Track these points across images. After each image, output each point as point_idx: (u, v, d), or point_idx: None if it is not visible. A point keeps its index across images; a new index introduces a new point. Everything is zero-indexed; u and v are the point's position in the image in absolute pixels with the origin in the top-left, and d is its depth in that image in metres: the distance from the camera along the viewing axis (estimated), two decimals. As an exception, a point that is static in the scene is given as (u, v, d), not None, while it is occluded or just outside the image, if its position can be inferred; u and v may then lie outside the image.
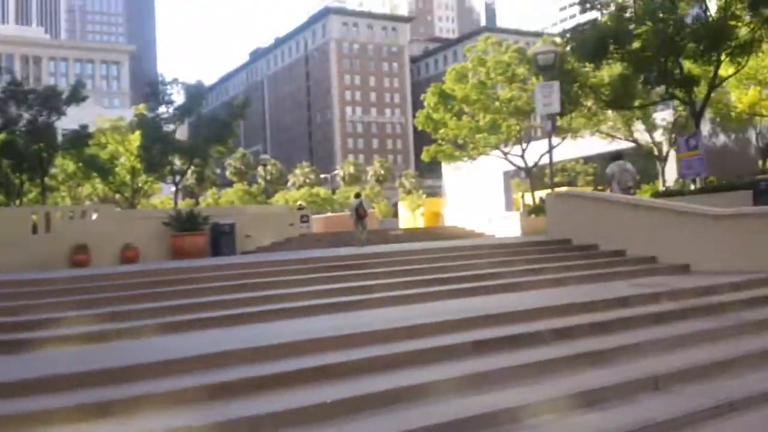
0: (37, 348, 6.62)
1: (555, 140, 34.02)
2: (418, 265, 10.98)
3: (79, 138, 37.56)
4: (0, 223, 24.59)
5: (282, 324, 7.61)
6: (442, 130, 36.68)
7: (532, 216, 29.80)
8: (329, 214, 49.34)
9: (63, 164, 43.66)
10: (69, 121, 37.46)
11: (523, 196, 37.29)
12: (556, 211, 14.99)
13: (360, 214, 24.73)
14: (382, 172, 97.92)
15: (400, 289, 9.32)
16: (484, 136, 35.44)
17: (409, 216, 52.86)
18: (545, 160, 36.47)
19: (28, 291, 8.69)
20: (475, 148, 36.64)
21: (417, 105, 61.84)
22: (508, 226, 29.94)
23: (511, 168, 39.92)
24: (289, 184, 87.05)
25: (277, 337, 6.57)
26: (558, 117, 23.08)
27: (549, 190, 25.29)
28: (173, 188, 44.34)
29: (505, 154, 36.53)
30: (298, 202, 48.15)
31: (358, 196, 27.21)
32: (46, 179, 43.59)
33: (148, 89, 40.74)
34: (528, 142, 37.52)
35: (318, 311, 8.18)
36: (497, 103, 35.62)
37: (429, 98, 37.66)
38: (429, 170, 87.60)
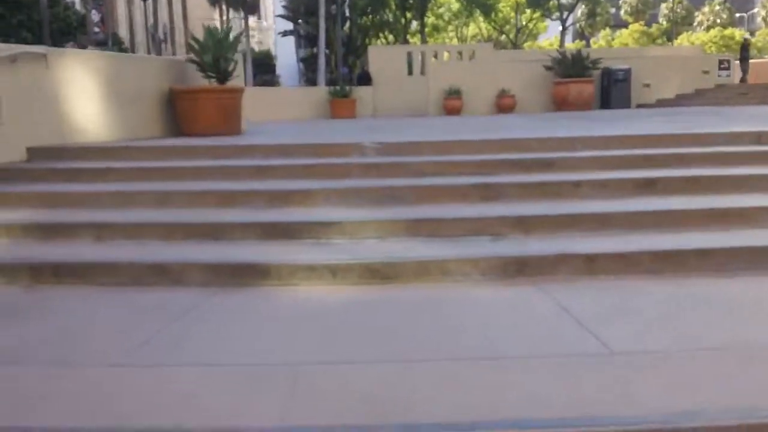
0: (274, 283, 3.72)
1: None
2: None
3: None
4: (380, 61, 23.49)
5: None
6: None
7: None
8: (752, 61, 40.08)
9: (448, 2, 41.93)
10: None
11: None
12: None
13: None
14: (817, 9, 78.89)
15: None
16: None
17: None
18: None
19: (322, 164, 5.78)
20: None
21: None
22: None
23: None
24: (694, 24, 75.23)
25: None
26: None
27: None
28: (561, 27, 39.84)
29: None
30: (744, 35, 38.14)
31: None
32: (433, 19, 42.67)
33: None
34: None
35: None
36: None
37: None
38: None
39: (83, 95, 7.29)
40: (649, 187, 5.26)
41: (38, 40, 24.67)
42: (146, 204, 5.07)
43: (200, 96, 8.30)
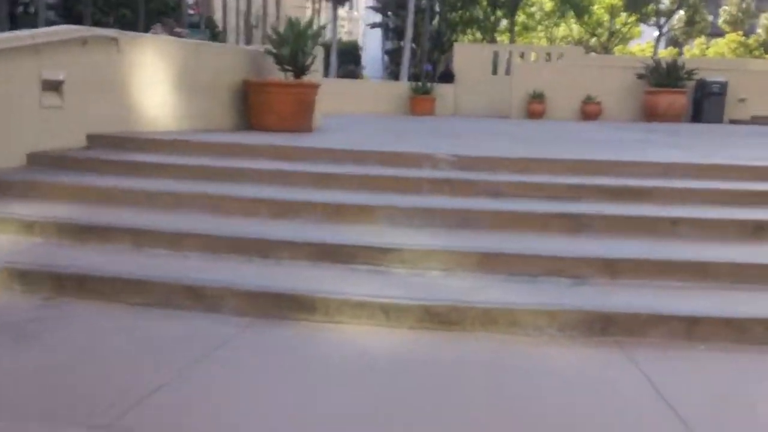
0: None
1: None
2: None
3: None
4: (464, 59, 22.83)
5: None
6: None
7: None
8: None
9: (540, 1, 40.69)
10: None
11: None
12: None
13: None
14: None
15: None
16: None
17: None
18: None
19: (390, 177, 5.20)
20: None
21: None
22: None
23: None
24: (798, 36, 70.82)
25: None
26: None
27: None
28: (656, 33, 38.07)
29: None
30: None
31: None
32: (523, 17, 41.56)
33: None
34: None
35: None
36: None
37: None
38: None
39: (154, 82, 7.05)
40: (757, 232, 4.57)
41: (136, 18, 25.20)
42: (196, 208, 4.71)
43: (273, 90, 7.96)
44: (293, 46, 8.14)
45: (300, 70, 8.27)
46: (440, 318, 3.45)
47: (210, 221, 4.46)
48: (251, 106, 8.02)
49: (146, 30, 15.59)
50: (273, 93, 7.97)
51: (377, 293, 3.58)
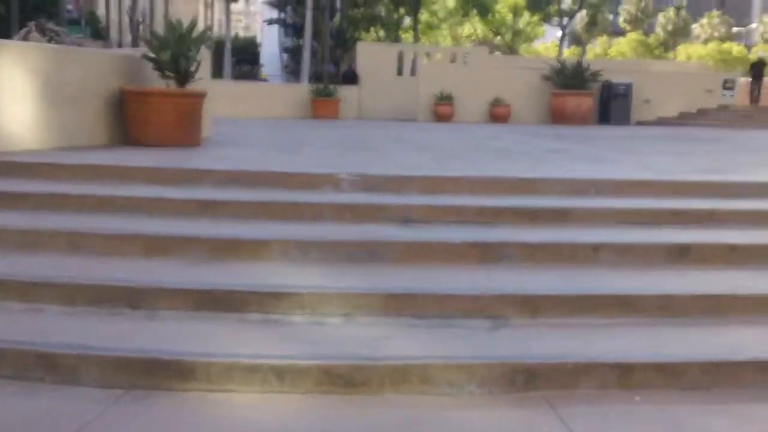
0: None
1: None
2: None
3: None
4: (368, 60, 22.42)
5: None
6: None
7: None
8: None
9: (443, -1, 40.92)
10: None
11: None
12: None
13: None
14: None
15: None
16: None
17: None
18: None
19: (285, 203, 4.62)
20: None
21: None
22: None
23: None
24: (692, 35, 74.53)
25: None
26: None
27: None
28: (559, 33, 38.90)
29: None
30: (759, 53, 35.34)
31: None
32: (427, 15, 41.62)
33: None
34: None
35: None
36: None
37: None
38: None
39: (12, 94, 6.17)
40: (681, 256, 4.29)
41: (8, 14, 23.42)
42: (55, 248, 4.00)
43: (153, 99, 7.18)
44: (174, 50, 7.37)
45: (183, 78, 7.52)
46: (343, 380, 2.95)
47: (70, 265, 3.78)
48: (129, 118, 7.22)
49: (21, 28, 14.30)
50: (153, 103, 7.20)
51: (270, 352, 3.05)
